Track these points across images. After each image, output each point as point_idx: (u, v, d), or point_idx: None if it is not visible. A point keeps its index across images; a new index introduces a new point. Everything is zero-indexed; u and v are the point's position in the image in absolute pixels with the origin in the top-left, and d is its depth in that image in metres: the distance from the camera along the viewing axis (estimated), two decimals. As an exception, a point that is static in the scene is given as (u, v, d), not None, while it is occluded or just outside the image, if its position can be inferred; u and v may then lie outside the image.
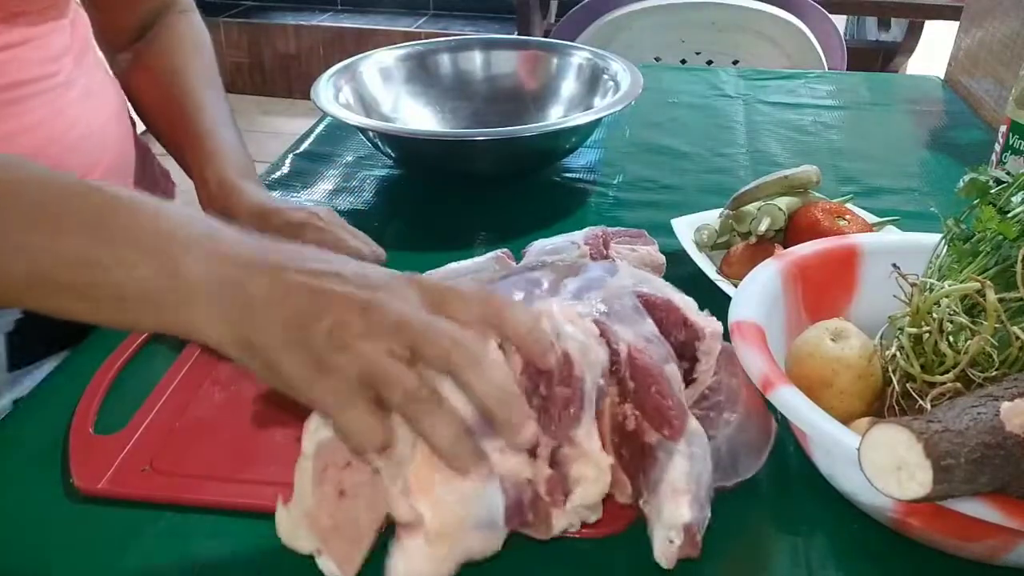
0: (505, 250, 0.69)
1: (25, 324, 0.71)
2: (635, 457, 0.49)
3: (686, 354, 0.54)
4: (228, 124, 0.78)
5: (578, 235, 0.69)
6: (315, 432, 0.46)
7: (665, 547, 0.44)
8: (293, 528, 0.46)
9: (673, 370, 0.51)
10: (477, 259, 0.68)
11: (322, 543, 0.45)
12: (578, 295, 0.53)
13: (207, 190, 0.71)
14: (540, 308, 0.48)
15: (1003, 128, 0.89)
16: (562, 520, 0.46)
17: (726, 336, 0.55)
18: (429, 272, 0.67)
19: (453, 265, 0.68)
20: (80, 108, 0.75)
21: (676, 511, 0.44)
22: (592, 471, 0.46)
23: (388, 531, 0.46)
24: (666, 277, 0.70)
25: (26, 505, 0.54)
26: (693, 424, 0.49)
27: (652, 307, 0.54)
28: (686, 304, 0.55)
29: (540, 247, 0.69)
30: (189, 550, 0.51)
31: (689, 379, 0.54)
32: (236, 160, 0.73)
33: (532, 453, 0.46)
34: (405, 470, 0.43)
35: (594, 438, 0.47)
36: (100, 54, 0.83)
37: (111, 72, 0.85)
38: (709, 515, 0.46)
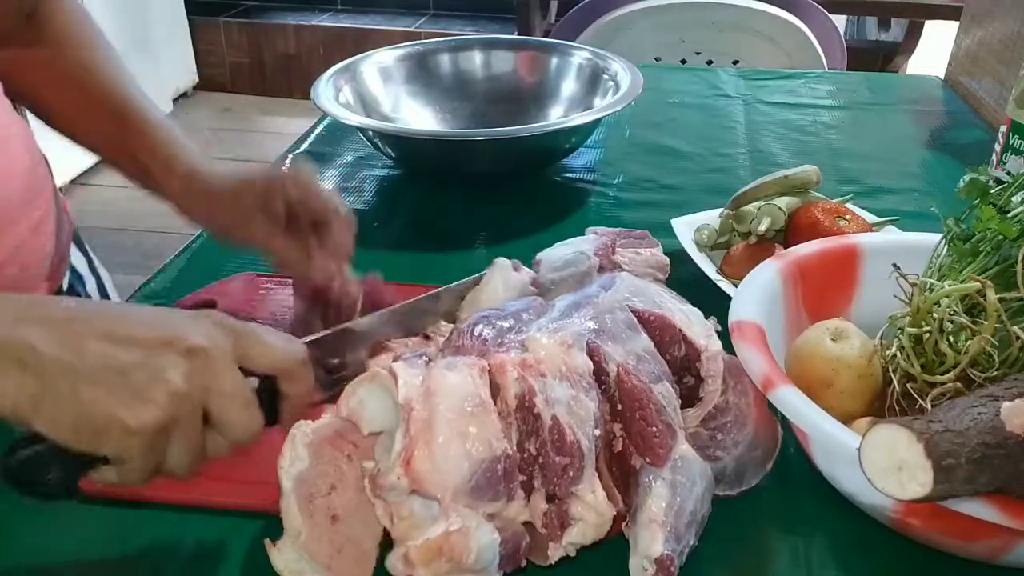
0: (517, 263, 0.63)
1: None
2: (623, 476, 0.49)
3: (690, 369, 0.53)
4: (157, 109, 0.74)
5: (588, 245, 0.65)
6: (290, 467, 0.46)
7: (640, 574, 0.45)
8: (292, 564, 0.46)
9: (666, 389, 0.50)
10: (518, 303, 0.57)
11: (327, 570, 0.45)
12: (567, 313, 0.52)
13: (174, 188, 0.69)
14: (526, 359, 0.47)
15: (1003, 128, 0.89)
16: (559, 551, 0.47)
17: (727, 343, 0.55)
18: (468, 319, 0.55)
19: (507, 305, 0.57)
20: None
21: (651, 544, 0.44)
22: (593, 517, 0.46)
23: (387, 545, 0.45)
24: (667, 277, 0.70)
25: (27, 505, 0.54)
26: (683, 449, 0.48)
27: (646, 323, 0.53)
28: (685, 318, 0.54)
29: (551, 259, 0.65)
30: (188, 550, 0.51)
31: (695, 398, 0.53)
32: (189, 148, 0.71)
33: (528, 495, 0.46)
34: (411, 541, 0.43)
35: (597, 489, 0.47)
36: None
37: None
38: (693, 542, 0.46)
